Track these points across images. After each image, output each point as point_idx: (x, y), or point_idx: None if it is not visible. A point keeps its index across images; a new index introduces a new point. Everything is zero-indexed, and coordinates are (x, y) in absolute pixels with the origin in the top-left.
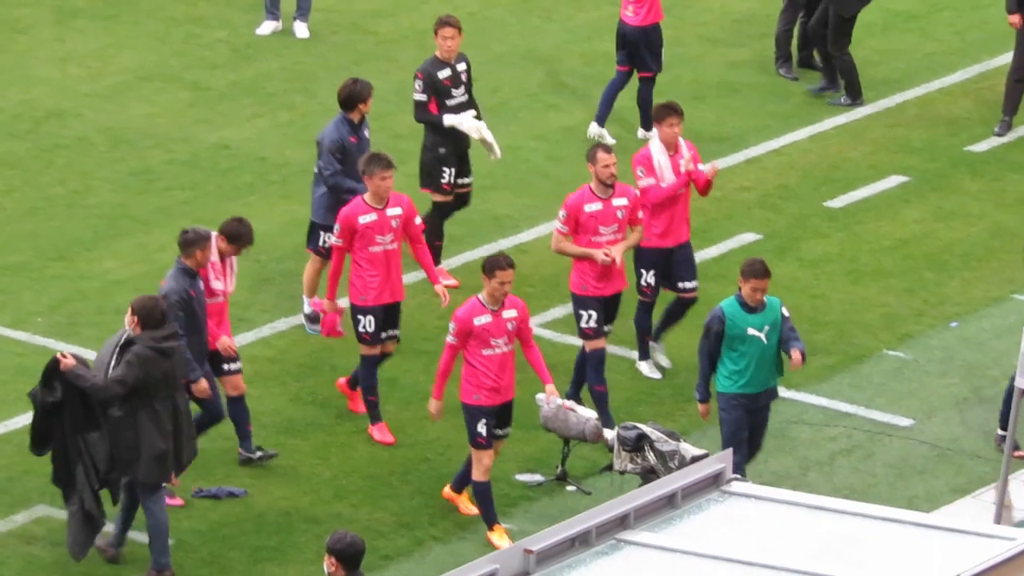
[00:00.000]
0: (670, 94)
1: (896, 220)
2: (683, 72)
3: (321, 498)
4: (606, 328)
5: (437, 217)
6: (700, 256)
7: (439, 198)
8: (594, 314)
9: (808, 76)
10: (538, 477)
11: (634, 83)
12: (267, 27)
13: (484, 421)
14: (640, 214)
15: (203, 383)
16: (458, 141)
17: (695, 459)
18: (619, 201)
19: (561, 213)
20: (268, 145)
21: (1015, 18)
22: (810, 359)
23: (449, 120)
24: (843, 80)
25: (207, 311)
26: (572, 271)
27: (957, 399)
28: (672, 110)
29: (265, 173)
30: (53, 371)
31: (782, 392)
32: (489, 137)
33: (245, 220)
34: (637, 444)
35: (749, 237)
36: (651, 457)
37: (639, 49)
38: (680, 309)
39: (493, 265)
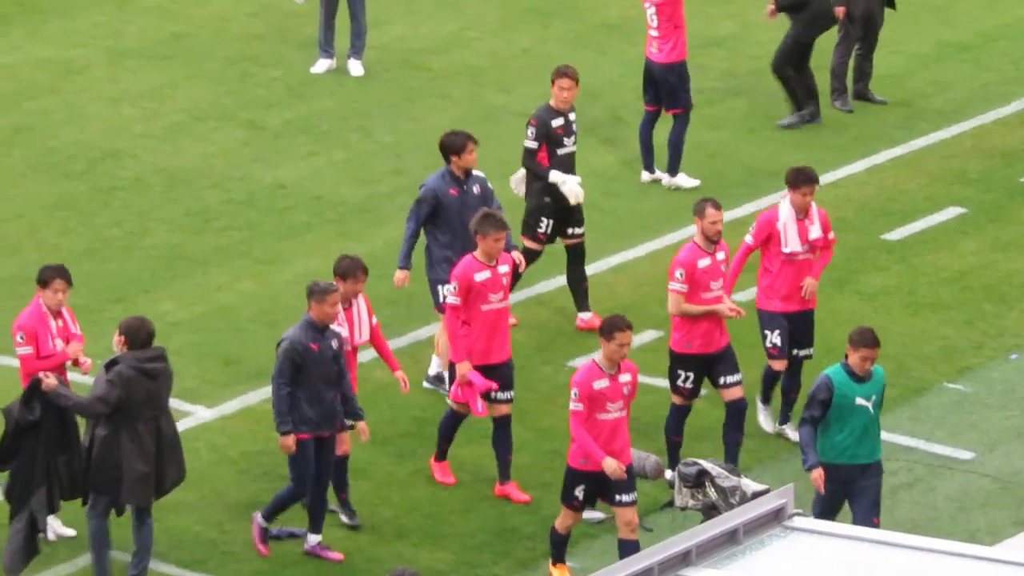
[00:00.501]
0: (726, 127)
1: (954, 252)
2: (738, 104)
3: (383, 537)
4: (730, 380)
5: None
6: (753, 288)
7: (532, 245)
8: (692, 375)
9: (864, 108)
10: (600, 515)
11: (666, 122)
12: (322, 65)
13: (584, 487)
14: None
15: (288, 439)
16: (563, 194)
17: (756, 494)
18: (721, 255)
19: (678, 273)
20: (324, 183)
21: None
22: None
23: (554, 177)
24: (792, 98)
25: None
26: (674, 331)
27: (1018, 431)
28: (808, 178)
29: (321, 212)
30: (34, 390)
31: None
32: (580, 199)
33: (350, 255)
34: (698, 480)
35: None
36: (712, 493)
37: (665, 87)
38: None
39: (612, 327)
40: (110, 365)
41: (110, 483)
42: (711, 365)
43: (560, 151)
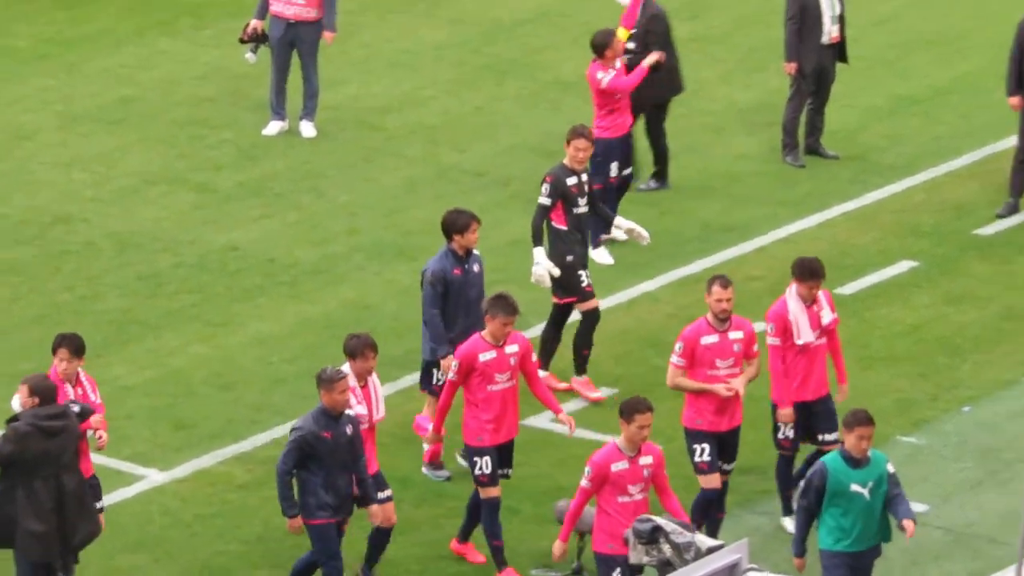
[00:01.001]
0: (678, 186)
1: (907, 305)
2: (690, 162)
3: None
4: (726, 467)
5: (592, 324)
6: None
7: (587, 306)
8: (707, 447)
9: (816, 163)
10: (555, 574)
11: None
12: (273, 127)
13: (619, 571)
14: (755, 347)
15: (295, 522)
16: (580, 243)
17: (711, 550)
18: (735, 334)
19: (677, 346)
20: (277, 245)
21: (1015, 100)
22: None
23: (537, 254)
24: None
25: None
26: (685, 406)
27: (972, 483)
28: (813, 274)
29: (274, 274)
30: None
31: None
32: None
33: (357, 333)
34: (652, 536)
35: (758, 327)
36: (667, 549)
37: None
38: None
39: (632, 409)
40: (10, 421)
41: (5, 538)
42: (724, 441)
43: (575, 210)
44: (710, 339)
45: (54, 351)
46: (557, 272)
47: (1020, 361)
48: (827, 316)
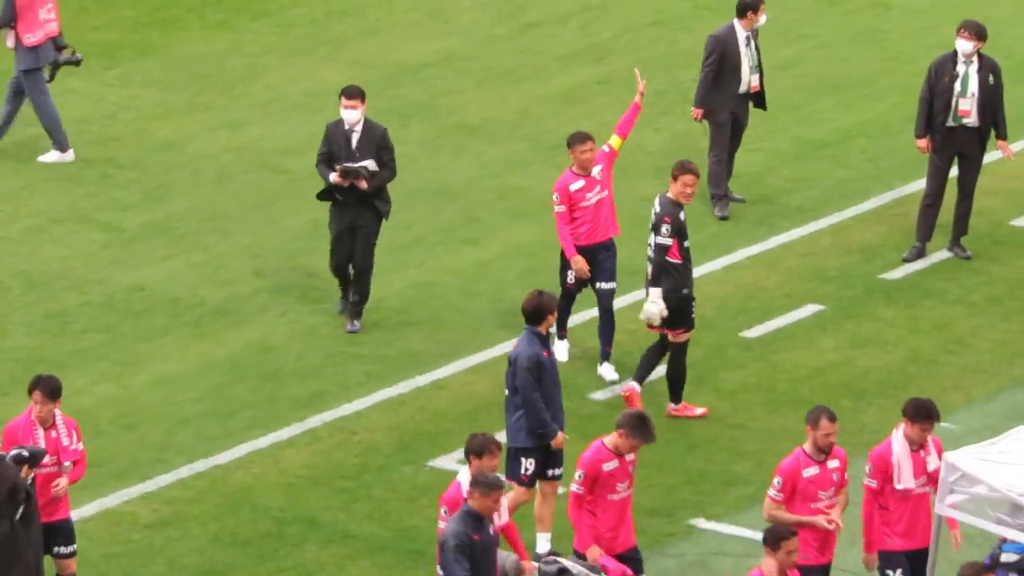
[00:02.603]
0: None
1: (812, 349)
2: None
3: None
4: None
5: (685, 350)
6: (618, 389)
7: (687, 337)
8: None
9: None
10: None
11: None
12: (52, 156)
13: None
14: (847, 476)
15: None
16: (690, 276)
17: None
18: (833, 463)
19: (776, 480)
20: (182, 285)
21: (922, 143)
22: (729, 489)
23: (653, 293)
24: None
25: None
26: None
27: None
28: (928, 415)
29: (179, 314)
30: None
31: (701, 524)
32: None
33: (481, 433)
34: None
35: (661, 370)
36: None
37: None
38: None
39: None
40: None
41: None
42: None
43: (686, 243)
44: (811, 471)
45: (29, 392)
46: (666, 314)
47: None
48: (932, 463)
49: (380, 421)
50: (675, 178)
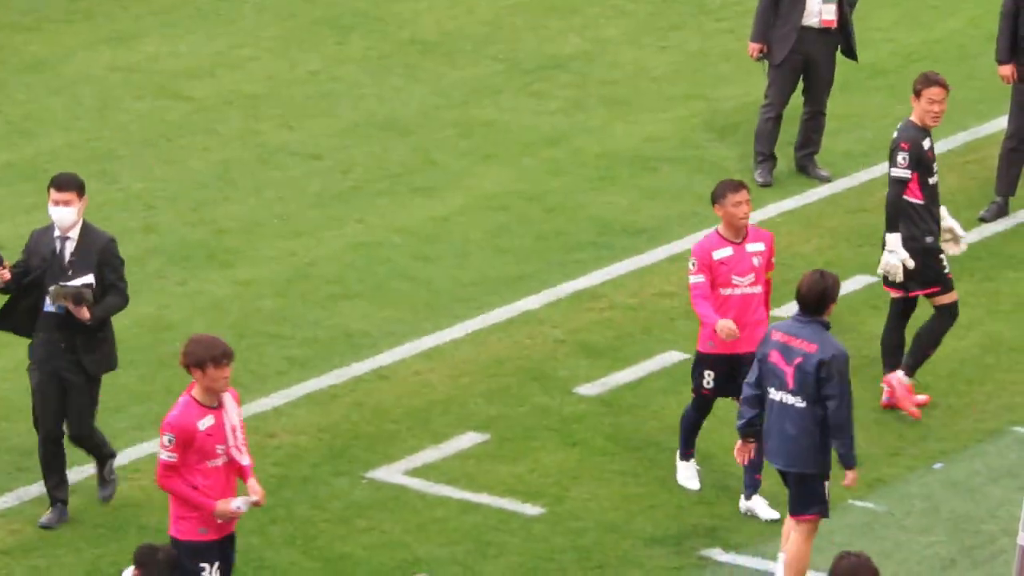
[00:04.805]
0: (570, 172)
1: (860, 333)
2: (586, 144)
3: None
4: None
5: (952, 320)
6: (612, 381)
7: (948, 299)
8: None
9: (749, 149)
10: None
11: None
12: None
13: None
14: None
15: None
16: (937, 221)
17: None
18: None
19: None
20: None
21: (1006, 69)
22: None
23: (890, 240)
24: None
25: None
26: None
27: (944, 562)
28: None
29: None
30: None
31: (718, 556)
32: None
33: None
34: None
35: (674, 356)
36: None
37: None
38: None
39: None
40: None
41: None
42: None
43: (931, 180)
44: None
45: None
46: (911, 264)
47: (1005, 405)
48: None
49: (306, 420)
50: (917, 94)
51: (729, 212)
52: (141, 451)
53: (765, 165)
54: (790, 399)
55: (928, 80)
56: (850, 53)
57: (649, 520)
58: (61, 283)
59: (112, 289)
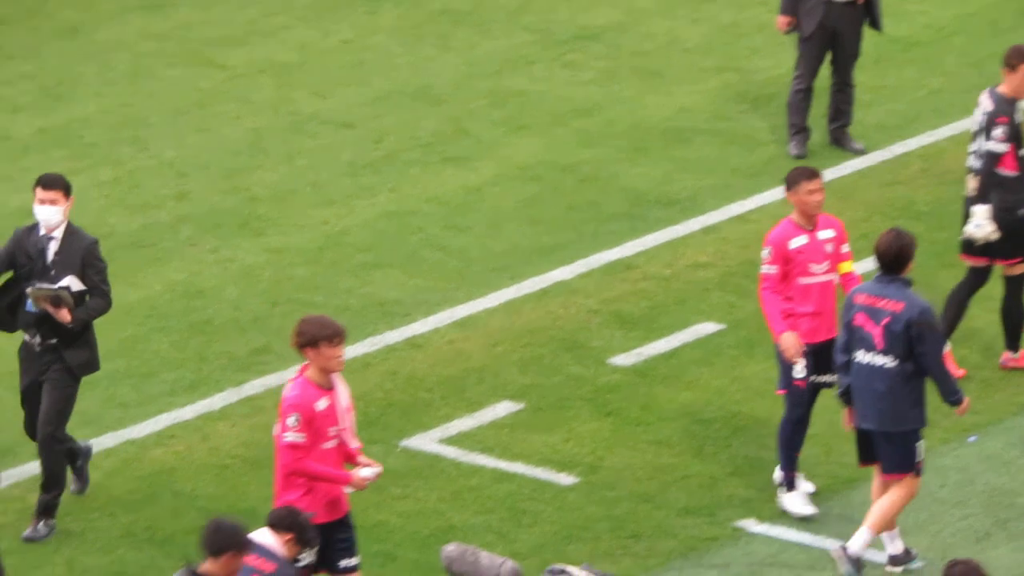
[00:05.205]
0: (603, 143)
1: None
2: (619, 115)
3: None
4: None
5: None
6: (646, 351)
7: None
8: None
9: (781, 121)
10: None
11: None
12: None
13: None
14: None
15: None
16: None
17: None
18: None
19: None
20: (87, 210)
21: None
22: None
23: (978, 212)
24: None
25: None
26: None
27: (978, 534)
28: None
29: None
30: None
31: (752, 527)
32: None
33: None
34: None
35: (708, 328)
36: None
37: None
38: None
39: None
40: None
41: None
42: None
43: (1021, 152)
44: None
45: None
46: (997, 236)
47: None
48: None
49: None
50: (1012, 67)
51: (803, 200)
52: (174, 417)
53: (798, 137)
54: (880, 360)
55: (1022, 54)
56: (874, 24)
57: (683, 490)
58: (38, 285)
59: (95, 291)
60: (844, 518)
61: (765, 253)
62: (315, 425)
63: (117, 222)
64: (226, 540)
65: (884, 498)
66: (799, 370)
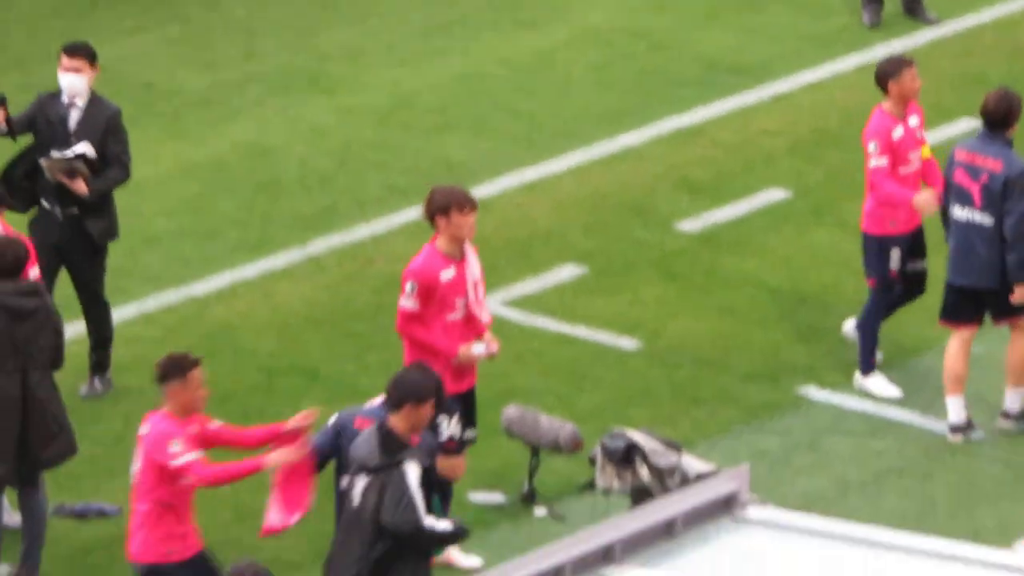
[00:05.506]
0: (675, 8)
1: None
2: None
3: (219, 521)
4: None
5: None
6: (712, 217)
7: None
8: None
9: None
10: (499, 497)
11: None
12: None
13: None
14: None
15: None
16: None
17: (701, 476)
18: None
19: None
20: (154, 68)
21: None
22: (851, 351)
23: None
24: None
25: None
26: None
27: None
28: None
29: (151, 103)
30: None
31: (814, 394)
32: None
33: None
34: (626, 456)
35: (776, 195)
36: (644, 473)
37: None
38: None
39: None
40: None
41: None
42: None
43: None
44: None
45: None
46: None
47: None
48: None
49: (404, 249)
50: None
51: (907, 87)
52: (236, 275)
53: (872, 6)
54: (978, 217)
55: None
56: None
57: (745, 356)
58: (54, 155)
59: (115, 161)
60: (907, 387)
61: (871, 147)
62: (438, 295)
63: (185, 80)
64: (406, 392)
65: (1011, 353)
66: (895, 262)
